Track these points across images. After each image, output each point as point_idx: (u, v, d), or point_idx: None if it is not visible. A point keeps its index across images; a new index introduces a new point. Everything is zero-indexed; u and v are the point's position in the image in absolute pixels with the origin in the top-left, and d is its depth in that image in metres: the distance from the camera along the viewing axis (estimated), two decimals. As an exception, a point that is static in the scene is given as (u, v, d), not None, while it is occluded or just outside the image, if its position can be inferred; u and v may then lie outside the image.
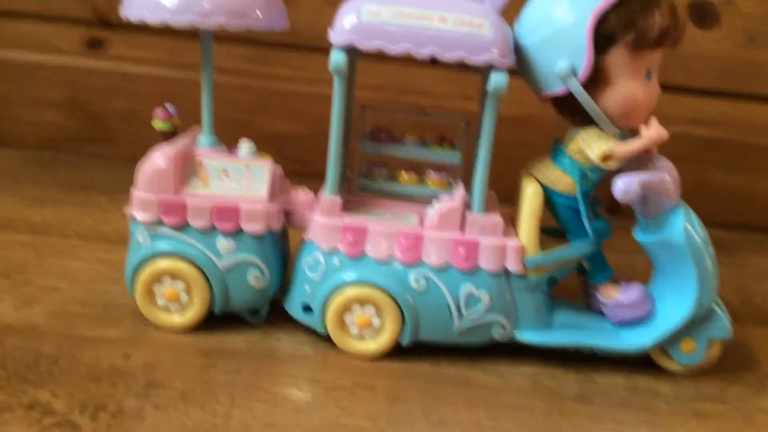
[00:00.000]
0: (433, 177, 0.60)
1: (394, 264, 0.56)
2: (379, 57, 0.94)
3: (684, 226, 0.55)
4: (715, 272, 0.57)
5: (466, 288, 0.56)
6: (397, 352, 0.57)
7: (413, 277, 0.56)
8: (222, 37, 0.96)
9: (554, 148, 0.57)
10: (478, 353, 0.59)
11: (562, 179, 0.56)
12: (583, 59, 0.51)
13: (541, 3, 0.53)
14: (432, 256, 0.56)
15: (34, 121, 1.01)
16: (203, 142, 0.59)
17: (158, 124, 0.59)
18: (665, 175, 0.55)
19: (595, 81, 0.53)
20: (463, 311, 0.56)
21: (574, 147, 0.55)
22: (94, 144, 1.01)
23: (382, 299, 0.56)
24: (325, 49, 0.52)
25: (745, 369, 0.61)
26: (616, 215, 0.96)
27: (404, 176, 0.60)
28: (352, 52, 0.54)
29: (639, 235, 0.58)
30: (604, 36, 0.51)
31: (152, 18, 0.53)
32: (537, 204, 0.56)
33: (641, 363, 0.59)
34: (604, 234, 0.57)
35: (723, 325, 0.58)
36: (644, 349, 0.57)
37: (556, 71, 0.52)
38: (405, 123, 0.61)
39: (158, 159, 0.56)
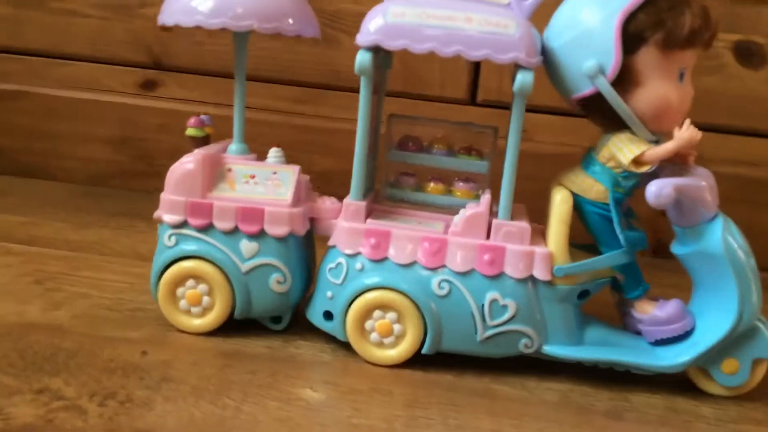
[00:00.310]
0: (460, 187, 0.59)
1: (416, 268, 0.55)
2: (418, 99, 0.96)
3: (722, 235, 0.52)
4: (758, 287, 0.53)
5: (491, 295, 0.54)
6: (419, 361, 0.56)
7: (436, 282, 0.54)
8: (268, 78, 1.00)
9: (585, 156, 0.56)
10: (504, 367, 0.56)
11: (593, 187, 0.55)
12: (611, 58, 0.50)
13: (569, 5, 0.53)
14: (456, 260, 0.54)
15: (87, 157, 1.05)
16: (233, 149, 0.60)
17: (190, 131, 0.60)
18: (701, 180, 0.53)
19: (625, 82, 0.52)
20: (488, 319, 0.54)
21: (605, 153, 0.54)
22: (142, 179, 1.03)
23: (404, 304, 0.54)
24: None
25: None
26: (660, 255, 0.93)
27: (431, 186, 0.59)
28: (381, 56, 0.54)
29: (676, 248, 0.55)
30: (632, 35, 0.50)
31: (186, 21, 0.55)
32: (565, 210, 0.54)
33: (682, 385, 0.56)
34: (637, 244, 0.55)
35: (768, 344, 0.54)
36: (682, 367, 0.54)
37: (583, 70, 0.51)
38: (436, 134, 0.61)
39: (186, 162, 0.57)
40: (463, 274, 0.54)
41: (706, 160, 0.92)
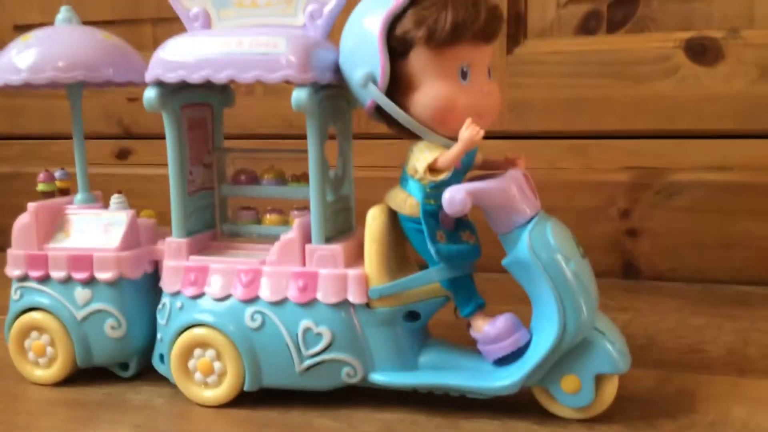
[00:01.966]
0: (295, 215, 0.57)
1: (231, 302, 0.53)
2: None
3: (528, 238, 0.48)
4: (588, 294, 0.48)
5: (304, 323, 0.52)
6: (249, 400, 0.53)
7: (249, 315, 0.52)
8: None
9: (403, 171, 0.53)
10: (335, 400, 0.53)
11: (406, 201, 0.52)
12: (378, 65, 0.48)
13: (351, 17, 0.52)
14: (268, 290, 0.52)
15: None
16: (77, 198, 0.61)
17: (40, 185, 0.62)
18: (508, 183, 0.49)
19: (403, 88, 0.49)
20: (303, 349, 0.51)
21: (410, 165, 0.51)
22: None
23: (220, 340, 0.53)
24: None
25: (668, 416, 0.50)
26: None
27: (268, 217, 0.58)
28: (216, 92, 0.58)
29: (504, 260, 0.51)
30: (399, 39, 0.48)
31: (15, 80, 0.57)
32: (376, 227, 0.52)
33: (527, 409, 0.51)
34: (458, 257, 0.51)
35: (608, 356, 0.48)
36: (513, 388, 0.49)
37: (354, 81, 0.49)
38: (282, 164, 0.60)
39: (23, 215, 0.58)
40: (276, 304, 0.52)
41: (672, 170, 0.87)
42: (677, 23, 0.87)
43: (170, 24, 1.03)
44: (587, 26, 0.91)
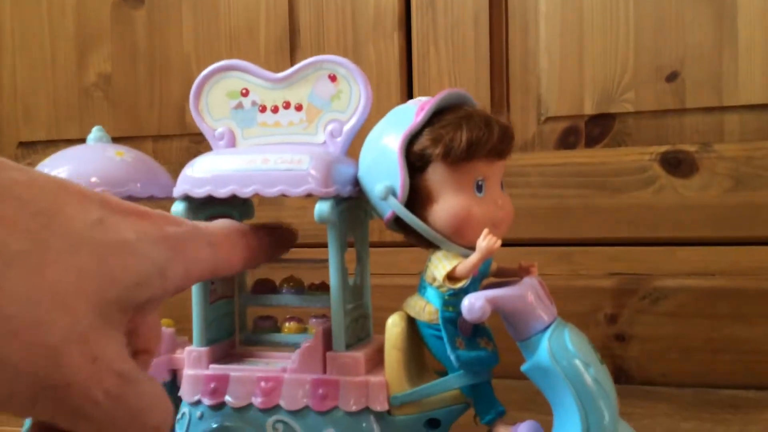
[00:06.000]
0: (313, 323, 0.59)
1: (252, 411, 0.54)
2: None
3: (548, 344, 0.50)
4: (608, 400, 0.50)
5: (326, 432, 0.52)
6: None
7: (270, 424, 0.53)
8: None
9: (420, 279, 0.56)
10: None
11: (425, 308, 0.54)
12: (398, 179, 0.51)
13: (370, 136, 0.55)
14: (289, 399, 0.53)
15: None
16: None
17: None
18: (525, 291, 0.51)
19: (421, 200, 0.52)
20: (324, 459, 0.52)
21: (429, 273, 0.54)
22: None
23: (242, 450, 0.53)
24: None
25: None
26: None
27: (287, 326, 0.60)
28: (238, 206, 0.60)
29: (523, 366, 0.53)
30: (417, 155, 0.52)
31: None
32: (396, 334, 0.53)
33: None
34: (477, 364, 0.53)
35: (631, 462, 0.50)
36: (532, 497, 0.50)
37: (375, 193, 0.52)
38: (300, 273, 0.62)
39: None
40: (297, 413, 0.53)
41: (656, 276, 0.91)
42: (652, 138, 0.93)
43: (170, 140, 1.08)
44: (566, 141, 0.97)
